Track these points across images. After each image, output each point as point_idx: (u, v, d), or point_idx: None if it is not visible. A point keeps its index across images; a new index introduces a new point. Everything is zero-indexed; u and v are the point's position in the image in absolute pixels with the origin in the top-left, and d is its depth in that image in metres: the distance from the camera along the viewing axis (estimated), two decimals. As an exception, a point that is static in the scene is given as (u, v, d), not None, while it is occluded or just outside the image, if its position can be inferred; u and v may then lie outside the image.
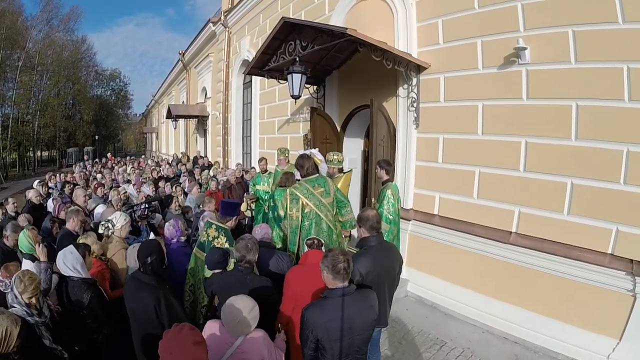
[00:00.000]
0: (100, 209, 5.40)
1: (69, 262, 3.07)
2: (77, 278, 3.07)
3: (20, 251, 3.94)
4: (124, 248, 3.87)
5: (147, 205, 5.47)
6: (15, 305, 2.65)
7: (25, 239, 3.82)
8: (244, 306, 2.29)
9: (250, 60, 10.51)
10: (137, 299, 2.81)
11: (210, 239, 3.74)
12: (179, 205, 6.21)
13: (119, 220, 4.05)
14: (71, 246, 3.22)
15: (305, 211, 4.35)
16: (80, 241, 3.69)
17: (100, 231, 4.07)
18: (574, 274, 3.95)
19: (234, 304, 2.29)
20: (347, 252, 2.63)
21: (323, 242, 3.62)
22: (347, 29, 4.54)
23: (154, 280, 2.85)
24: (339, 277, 2.43)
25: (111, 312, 3.17)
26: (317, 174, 4.58)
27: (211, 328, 2.33)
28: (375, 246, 3.07)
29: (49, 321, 2.84)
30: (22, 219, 5.18)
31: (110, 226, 4.00)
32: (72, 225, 4.26)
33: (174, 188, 7.65)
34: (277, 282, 3.18)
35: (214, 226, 3.81)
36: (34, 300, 2.73)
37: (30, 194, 6.74)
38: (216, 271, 3.24)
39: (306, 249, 3.58)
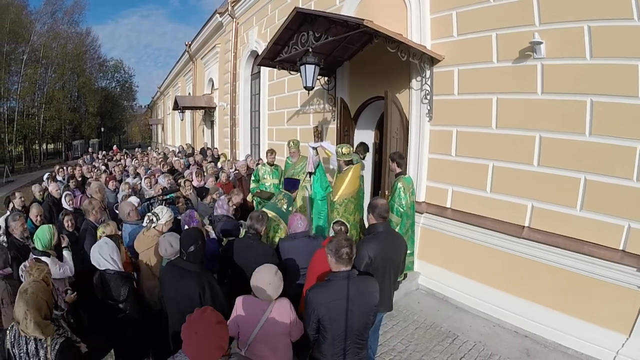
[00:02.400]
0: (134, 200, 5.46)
1: (105, 252, 3.14)
2: (113, 271, 3.14)
3: (35, 247, 3.90)
4: None
5: (164, 198, 5.60)
6: None
7: (48, 235, 3.84)
8: (270, 272, 2.66)
9: (258, 51, 10.72)
10: (180, 287, 2.87)
11: (276, 200, 5.04)
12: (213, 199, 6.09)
13: (164, 216, 4.05)
14: (105, 237, 3.33)
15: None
16: (100, 231, 3.84)
17: (143, 224, 4.08)
18: (585, 269, 4.03)
19: (261, 273, 2.66)
20: (351, 238, 2.83)
21: (348, 227, 3.97)
22: (363, 20, 4.59)
23: (197, 267, 2.92)
24: (342, 261, 2.62)
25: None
26: None
27: (244, 301, 2.67)
28: (383, 232, 3.28)
29: (65, 315, 3.02)
30: (35, 212, 5.26)
31: (155, 219, 3.99)
32: (93, 217, 4.37)
33: (182, 182, 7.76)
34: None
35: (282, 193, 5.23)
36: None
37: (50, 188, 6.83)
38: (230, 239, 3.99)
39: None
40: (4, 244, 4.34)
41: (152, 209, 4.98)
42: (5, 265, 3.51)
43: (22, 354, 2.21)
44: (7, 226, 4.65)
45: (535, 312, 4.42)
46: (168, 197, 5.66)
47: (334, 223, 3.97)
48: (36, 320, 2.20)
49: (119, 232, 3.90)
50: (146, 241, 3.87)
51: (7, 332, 2.29)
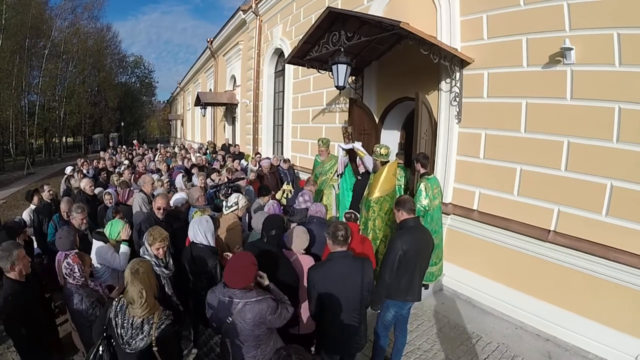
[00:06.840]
0: (179, 195, 5.76)
1: (202, 228, 3.57)
2: (203, 245, 3.54)
3: (97, 233, 4.19)
4: (239, 225, 4.51)
5: (231, 185, 6.45)
6: (145, 256, 3.35)
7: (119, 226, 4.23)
8: (299, 230, 3.66)
9: (283, 49, 11.08)
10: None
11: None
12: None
13: (241, 201, 4.74)
14: (207, 215, 3.81)
15: None
16: (198, 214, 4.39)
17: (226, 213, 4.66)
18: (609, 275, 4.18)
19: (292, 232, 3.64)
20: (345, 223, 3.52)
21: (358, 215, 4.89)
22: (400, 22, 4.76)
23: (274, 249, 3.46)
24: (338, 242, 3.13)
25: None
26: None
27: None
28: (414, 227, 3.64)
29: (171, 275, 3.50)
30: (64, 207, 5.49)
31: (235, 206, 4.68)
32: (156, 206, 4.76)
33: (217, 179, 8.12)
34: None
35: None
36: (161, 252, 3.40)
37: (83, 184, 6.72)
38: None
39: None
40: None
41: (218, 195, 6.02)
42: (72, 247, 3.81)
43: (125, 324, 2.46)
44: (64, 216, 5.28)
45: (557, 315, 4.60)
46: (233, 184, 6.56)
47: (345, 212, 4.73)
48: (149, 302, 2.47)
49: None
50: (225, 224, 4.43)
51: (114, 302, 2.56)
